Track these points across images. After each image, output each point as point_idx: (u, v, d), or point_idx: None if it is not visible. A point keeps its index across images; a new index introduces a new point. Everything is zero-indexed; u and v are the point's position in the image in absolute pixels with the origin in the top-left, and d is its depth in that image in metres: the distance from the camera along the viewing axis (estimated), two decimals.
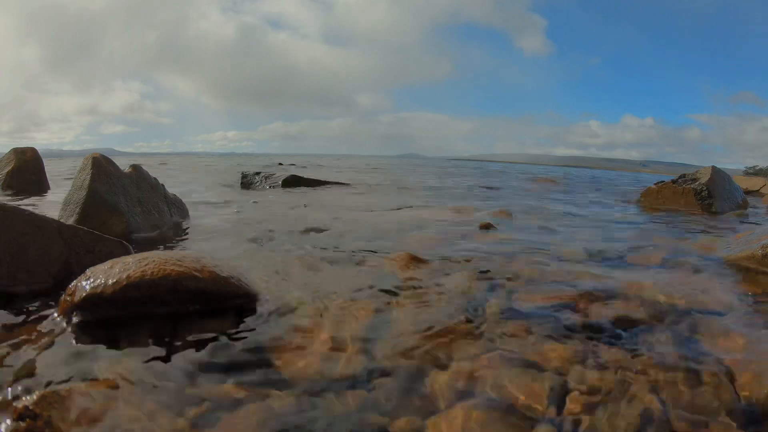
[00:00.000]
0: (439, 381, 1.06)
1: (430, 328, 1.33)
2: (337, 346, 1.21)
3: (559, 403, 0.99)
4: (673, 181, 5.53)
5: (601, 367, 1.14)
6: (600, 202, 5.96)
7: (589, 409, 0.97)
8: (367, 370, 1.10)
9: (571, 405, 0.99)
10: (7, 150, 5.80)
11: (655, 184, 5.88)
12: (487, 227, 3.05)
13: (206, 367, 1.07)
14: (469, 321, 1.40)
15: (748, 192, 7.46)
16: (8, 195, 4.65)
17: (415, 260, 2.06)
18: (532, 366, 1.14)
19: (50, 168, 6.53)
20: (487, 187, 7.58)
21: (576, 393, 1.03)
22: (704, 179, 5.21)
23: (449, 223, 3.38)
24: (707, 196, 5.06)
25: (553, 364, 1.15)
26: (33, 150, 5.78)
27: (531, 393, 1.02)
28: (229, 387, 0.99)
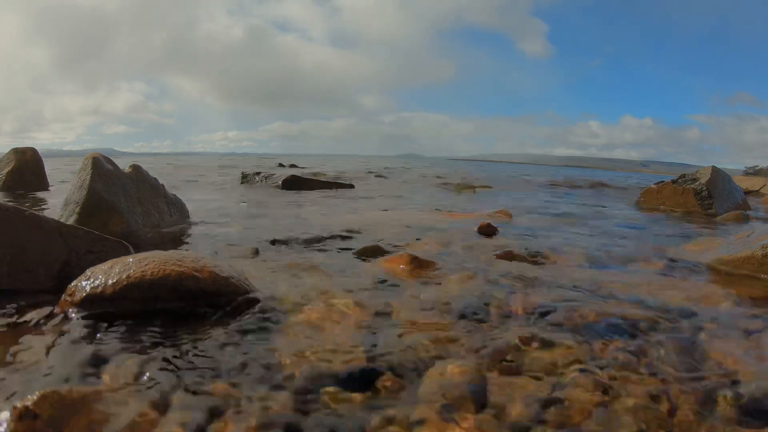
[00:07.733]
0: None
1: None
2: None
3: None
4: (673, 181, 5.53)
5: None
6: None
7: None
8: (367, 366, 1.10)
9: None
10: (8, 150, 5.81)
11: (655, 184, 5.88)
12: None
13: (206, 367, 1.07)
14: None
15: (748, 192, 7.46)
16: (8, 195, 4.65)
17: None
18: None
19: (50, 168, 6.54)
20: None
21: None
22: (704, 179, 5.21)
23: None
24: (707, 196, 5.06)
25: None
26: (33, 150, 5.79)
27: None
28: (226, 386, 0.99)
